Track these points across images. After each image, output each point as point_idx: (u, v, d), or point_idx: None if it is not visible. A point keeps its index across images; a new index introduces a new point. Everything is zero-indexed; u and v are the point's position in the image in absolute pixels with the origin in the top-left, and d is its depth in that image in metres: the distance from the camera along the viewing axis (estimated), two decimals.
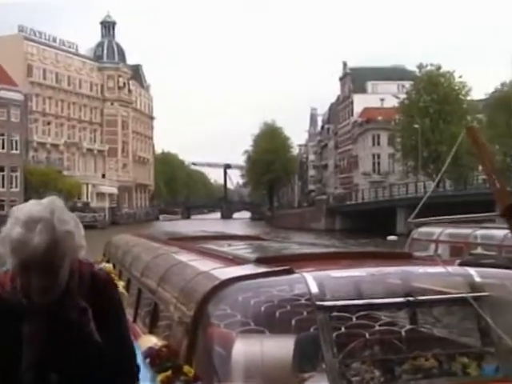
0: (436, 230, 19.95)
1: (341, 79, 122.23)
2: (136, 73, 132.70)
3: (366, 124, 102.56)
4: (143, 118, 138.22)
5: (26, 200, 2.72)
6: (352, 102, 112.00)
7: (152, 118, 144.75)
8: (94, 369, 2.50)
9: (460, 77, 74.46)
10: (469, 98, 75.01)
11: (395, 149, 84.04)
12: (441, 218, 5.25)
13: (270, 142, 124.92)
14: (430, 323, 5.87)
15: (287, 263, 4.93)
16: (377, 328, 5.06)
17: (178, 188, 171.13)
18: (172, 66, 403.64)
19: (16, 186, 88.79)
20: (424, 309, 5.57)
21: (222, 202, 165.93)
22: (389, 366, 4.65)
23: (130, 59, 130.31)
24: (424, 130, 71.08)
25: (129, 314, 7.87)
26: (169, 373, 4.48)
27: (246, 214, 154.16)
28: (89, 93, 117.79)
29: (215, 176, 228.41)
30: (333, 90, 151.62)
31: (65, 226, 2.35)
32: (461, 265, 5.30)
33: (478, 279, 5.02)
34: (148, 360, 4.65)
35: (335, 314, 4.65)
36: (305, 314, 5.10)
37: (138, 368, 2.70)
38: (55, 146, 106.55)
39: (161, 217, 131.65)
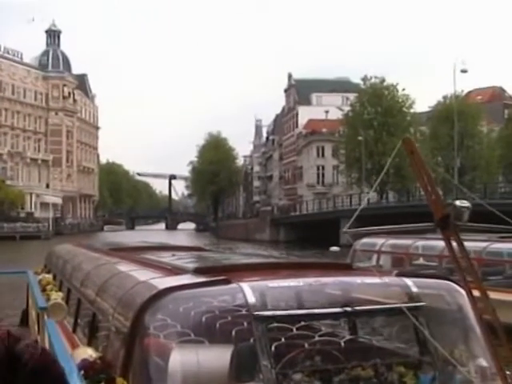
0: (378, 241, 20.11)
1: (286, 91, 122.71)
2: (81, 82, 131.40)
3: (310, 136, 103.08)
4: (88, 127, 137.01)
5: None
6: (297, 114, 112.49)
7: (97, 128, 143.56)
8: None
9: (403, 89, 75.42)
10: (412, 110, 75.95)
11: (339, 160, 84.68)
12: (375, 228, 5.28)
13: (214, 152, 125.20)
14: (369, 333, 5.90)
15: (225, 273, 4.92)
16: (317, 338, 5.08)
17: (122, 198, 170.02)
18: (118, 76, 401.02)
19: None
20: (363, 319, 5.60)
21: (167, 213, 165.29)
22: (327, 376, 4.67)
23: (75, 69, 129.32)
24: (368, 142, 71.69)
25: (68, 324, 7.79)
26: None
27: (191, 225, 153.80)
28: (33, 102, 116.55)
29: (160, 187, 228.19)
30: (278, 102, 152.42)
31: None
32: (398, 275, 5.35)
33: (414, 289, 5.08)
34: (82, 372, 4.57)
35: (274, 324, 4.65)
36: (245, 324, 5.09)
37: None
38: None
39: (105, 227, 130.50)
